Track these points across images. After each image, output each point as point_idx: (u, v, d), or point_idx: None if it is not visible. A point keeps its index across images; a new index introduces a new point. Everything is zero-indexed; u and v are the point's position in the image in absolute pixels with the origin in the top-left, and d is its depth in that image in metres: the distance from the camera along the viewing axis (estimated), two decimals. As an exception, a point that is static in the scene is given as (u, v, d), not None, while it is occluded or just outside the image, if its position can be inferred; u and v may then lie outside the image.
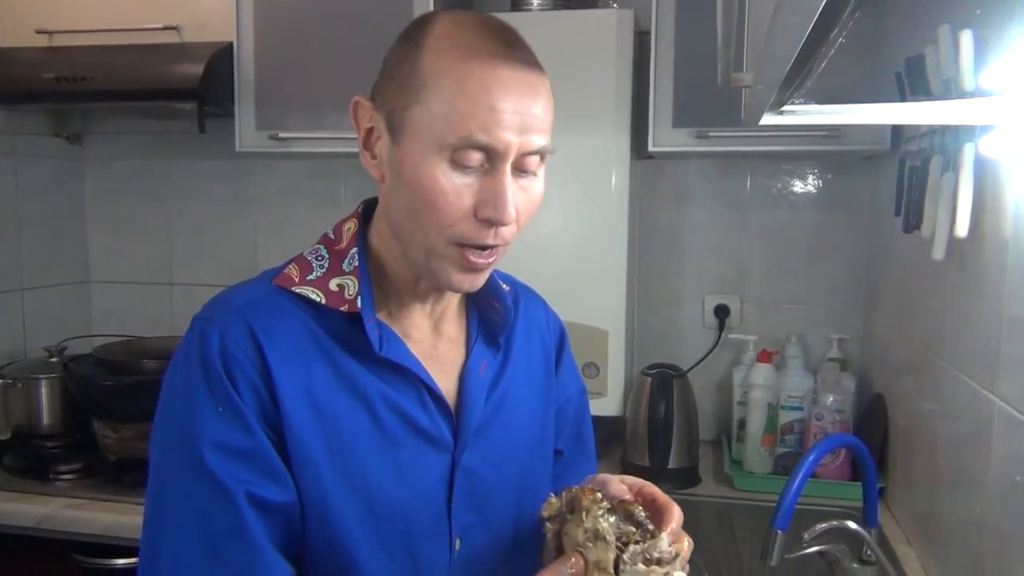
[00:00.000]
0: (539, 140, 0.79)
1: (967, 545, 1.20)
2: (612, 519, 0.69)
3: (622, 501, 0.73)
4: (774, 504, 1.16)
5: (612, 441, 1.93)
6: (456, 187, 0.78)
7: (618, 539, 0.68)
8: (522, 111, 0.77)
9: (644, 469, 1.80)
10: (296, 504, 0.80)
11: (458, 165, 0.77)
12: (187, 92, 1.84)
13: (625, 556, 0.66)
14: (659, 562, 0.67)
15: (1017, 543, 1.02)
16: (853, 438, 1.34)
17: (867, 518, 1.31)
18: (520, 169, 0.80)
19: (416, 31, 0.81)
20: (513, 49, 0.79)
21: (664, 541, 0.68)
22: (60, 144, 2.33)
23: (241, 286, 0.86)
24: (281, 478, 0.79)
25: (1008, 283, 1.07)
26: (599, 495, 0.72)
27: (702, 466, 1.87)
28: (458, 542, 0.88)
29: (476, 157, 0.77)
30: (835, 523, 1.19)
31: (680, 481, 1.80)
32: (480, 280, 0.85)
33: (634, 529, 0.69)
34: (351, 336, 0.84)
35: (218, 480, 0.76)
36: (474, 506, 0.89)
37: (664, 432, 1.79)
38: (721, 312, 2.07)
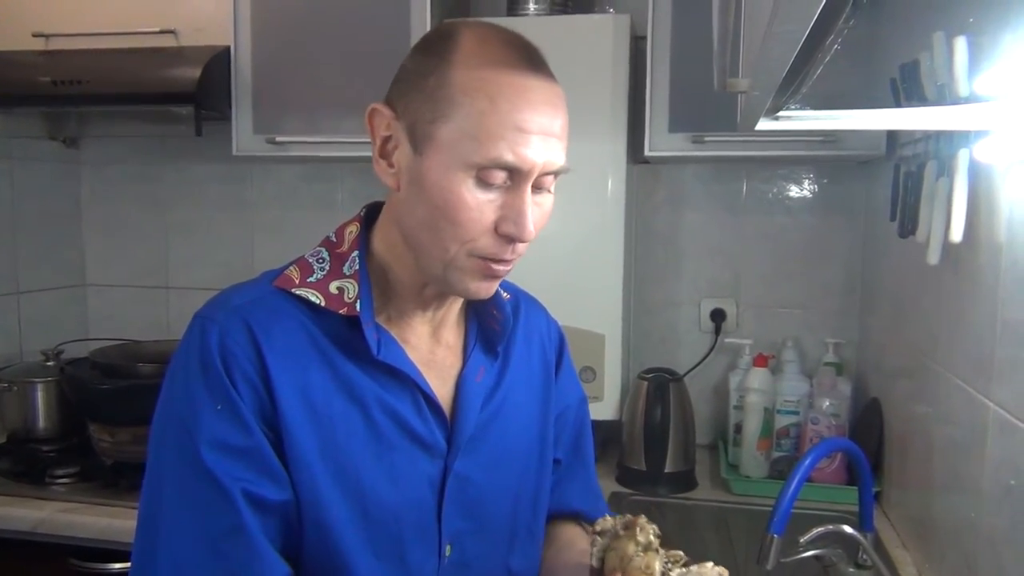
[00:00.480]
0: (560, 160, 0.81)
1: (962, 549, 1.20)
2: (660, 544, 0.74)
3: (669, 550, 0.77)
4: (770, 508, 1.16)
5: (609, 445, 1.94)
6: (480, 203, 0.79)
7: (666, 558, 0.72)
8: (547, 132, 0.79)
9: (640, 473, 1.81)
10: (293, 503, 0.80)
11: (483, 182, 0.79)
12: (184, 96, 1.84)
13: (673, 573, 0.69)
14: None
15: (1011, 547, 1.02)
16: (849, 442, 1.34)
17: (863, 522, 1.31)
18: (537, 186, 0.82)
19: (442, 44, 0.81)
20: (538, 68, 0.81)
21: (708, 566, 0.71)
22: (56, 147, 2.33)
23: (242, 286, 0.87)
24: (278, 477, 0.79)
25: (1003, 288, 1.08)
26: (650, 521, 0.77)
27: (698, 470, 1.88)
28: (448, 548, 0.88)
29: (501, 176, 0.79)
30: (831, 527, 1.19)
31: (676, 485, 1.80)
32: (495, 287, 0.87)
33: (681, 553, 0.74)
34: (349, 339, 0.84)
35: (215, 478, 0.76)
36: (466, 513, 0.89)
37: (660, 436, 1.80)
38: (717, 316, 2.07)
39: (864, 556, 1.31)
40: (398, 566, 0.85)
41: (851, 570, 1.33)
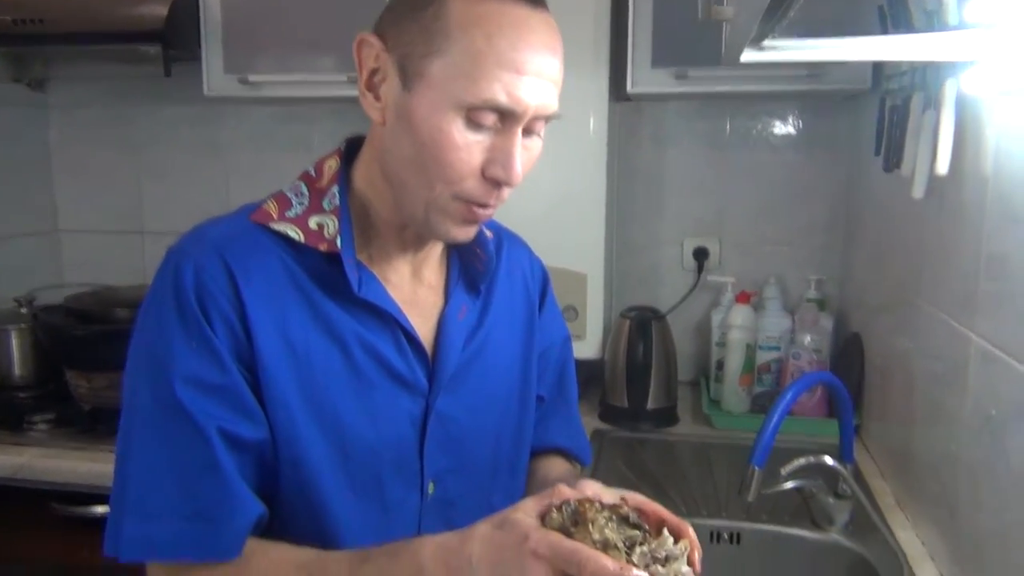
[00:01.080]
0: (553, 105, 0.80)
1: (940, 479, 1.22)
2: (615, 525, 0.69)
3: (612, 505, 0.72)
4: (751, 442, 1.17)
5: (591, 383, 1.94)
6: (468, 144, 0.77)
7: (624, 543, 0.67)
8: (543, 74, 0.77)
9: (623, 411, 1.82)
10: (269, 442, 0.79)
11: (473, 123, 0.76)
12: (151, 34, 1.79)
13: (634, 558, 0.66)
14: (666, 559, 0.66)
15: (990, 476, 1.04)
16: (830, 375, 1.36)
17: (843, 454, 1.33)
18: (527, 130, 0.80)
19: None
20: (539, 5, 0.78)
21: (668, 539, 0.68)
22: (22, 91, 2.25)
23: (218, 220, 0.85)
24: (254, 415, 0.78)
25: (988, 220, 1.07)
26: (597, 504, 0.70)
27: (680, 406, 1.89)
28: (431, 486, 0.88)
29: (492, 118, 0.76)
30: (812, 459, 1.20)
31: (658, 421, 1.82)
32: (475, 231, 0.85)
33: (637, 532, 0.69)
34: (329, 276, 0.82)
35: (190, 416, 0.75)
36: (448, 451, 0.89)
37: (643, 374, 1.80)
38: (700, 254, 2.07)
39: (844, 487, 1.34)
40: (377, 504, 0.85)
41: (831, 500, 1.35)
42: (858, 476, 1.50)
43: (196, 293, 0.77)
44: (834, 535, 1.35)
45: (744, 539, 1.39)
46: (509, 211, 1.08)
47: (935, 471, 1.25)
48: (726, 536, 1.40)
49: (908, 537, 1.31)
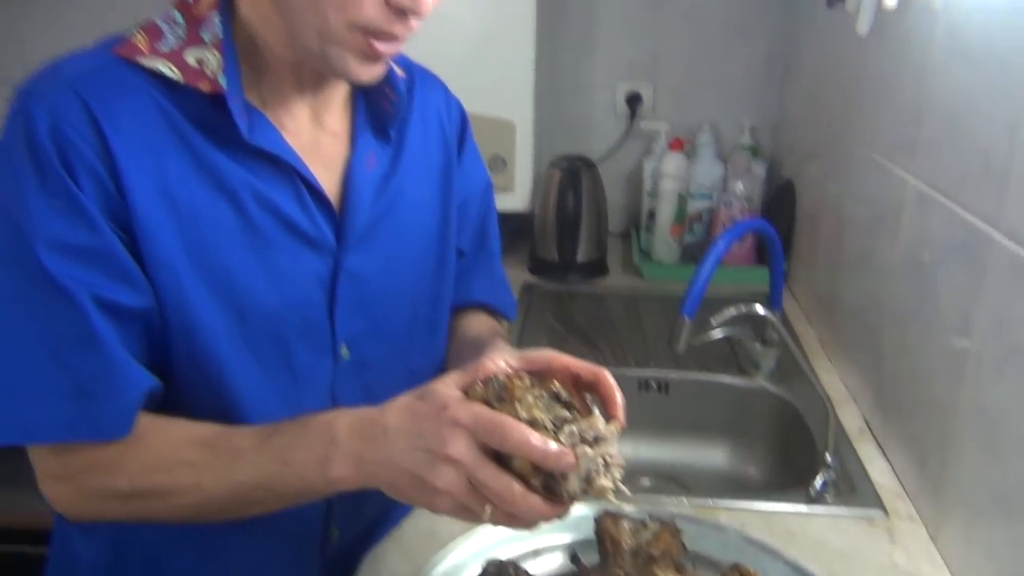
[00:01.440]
0: None
1: (867, 324, 1.22)
2: (543, 404, 0.63)
3: (543, 382, 0.66)
4: (680, 292, 1.14)
5: (521, 236, 1.89)
6: None
7: (553, 423, 0.62)
8: None
9: (552, 264, 1.78)
10: (155, 309, 0.71)
11: None
12: None
13: (561, 438, 0.60)
14: (596, 440, 0.61)
15: (916, 320, 1.03)
16: (763, 222, 1.33)
17: (772, 300, 1.32)
18: None
19: None
20: None
21: (599, 420, 0.62)
22: None
23: (75, 55, 0.72)
24: (134, 280, 0.69)
25: (934, 58, 1.01)
26: (527, 380, 0.65)
27: (610, 258, 1.86)
28: (345, 349, 0.82)
29: None
30: (743, 308, 1.18)
31: (588, 273, 1.79)
32: (382, 70, 0.75)
33: (565, 411, 0.64)
34: (213, 121, 0.72)
35: (58, 283, 0.65)
36: (362, 312, 0.82)
37: (573, 226, 1.76)
38: (633, 100, 1.98)
39: (772, 333, 1.34)
40: (285, 371, 0.78)
41: (758, 347, 1.36)
42: (785, 322, 1.50)
43: (54, 142, 0.66)
44: (760, 381, 1.36)
45: (672, 388, 1.40)
46: (425, 52, 0.97)
47: (862, 316, 1.25)
48: (654, 385, 1.40)
49: (832, 381, 1.33)
